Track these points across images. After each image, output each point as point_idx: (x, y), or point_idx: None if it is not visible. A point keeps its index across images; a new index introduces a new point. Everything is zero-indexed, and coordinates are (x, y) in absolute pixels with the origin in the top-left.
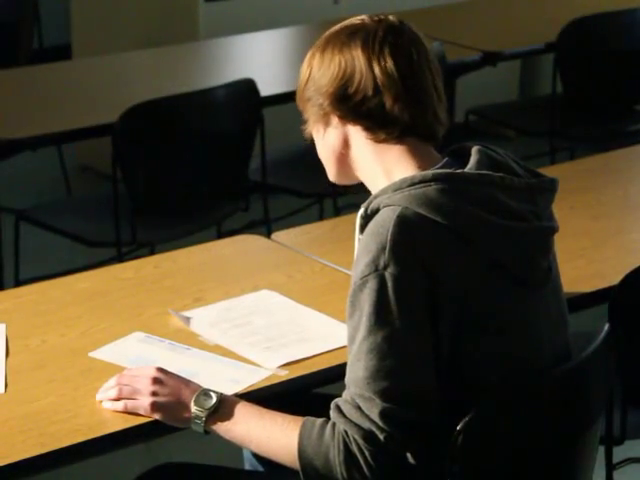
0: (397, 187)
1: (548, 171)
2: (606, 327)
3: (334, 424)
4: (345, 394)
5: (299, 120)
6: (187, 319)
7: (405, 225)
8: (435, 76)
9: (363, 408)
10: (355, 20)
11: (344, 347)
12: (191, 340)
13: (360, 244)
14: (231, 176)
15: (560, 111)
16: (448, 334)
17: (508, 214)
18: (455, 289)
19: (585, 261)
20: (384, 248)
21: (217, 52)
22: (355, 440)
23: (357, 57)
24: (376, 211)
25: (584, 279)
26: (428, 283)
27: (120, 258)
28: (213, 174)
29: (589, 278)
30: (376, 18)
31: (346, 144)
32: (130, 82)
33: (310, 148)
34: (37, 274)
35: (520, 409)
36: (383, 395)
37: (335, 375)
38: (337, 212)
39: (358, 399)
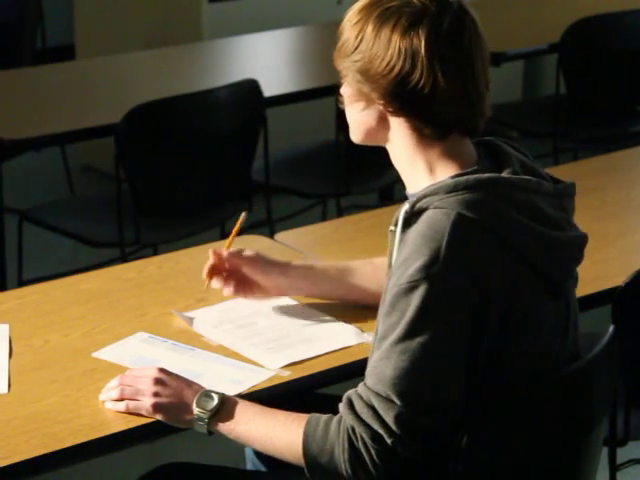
0: (450, 189)
1: (551, 172)
2: (610, 328)
3: (340, 419)
4: (360, 389)
5: (302, 121)
6: (190, 319)
7: (461, 234)
8: (486, 68)
9: (377, 408)
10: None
11: (347, 348)
12: (194, 341)
13: (410, 244)
14: (234, 177)
15: (563, 112)
16: (489, 339)
17: (548, 222)
18: (502, 294)
19: (589, 262)
20: (438, 256)
21: (221, 53)
22: (362, 438)
23: (419, 50)
24: (422, 210)
25: (588, 280)
26: (477, 290)
27: (123, 258)
28: (216, 174)
29: (593, 279)
30: None
31: (384, 126)
32: (133, 82)
33: (312, 149)
34: (40, 274)
35: (524, 410)
36: (405, 399)
37: (338, 376)
38: (340, 213)
39: (374, 398)
